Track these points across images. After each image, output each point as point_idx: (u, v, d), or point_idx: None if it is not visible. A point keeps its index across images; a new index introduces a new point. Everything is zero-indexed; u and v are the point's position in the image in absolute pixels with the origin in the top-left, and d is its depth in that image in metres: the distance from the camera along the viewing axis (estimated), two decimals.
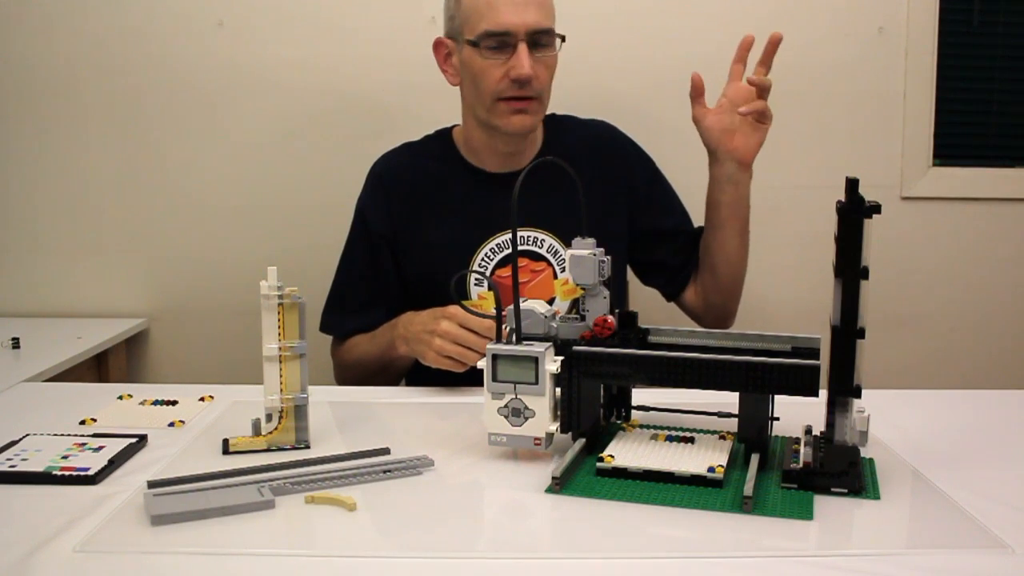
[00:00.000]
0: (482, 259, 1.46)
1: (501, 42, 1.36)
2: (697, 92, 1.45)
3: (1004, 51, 2.12)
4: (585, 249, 1.03)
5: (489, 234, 1.46)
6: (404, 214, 1.49)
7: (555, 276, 1.47)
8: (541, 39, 1.38)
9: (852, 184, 0.89)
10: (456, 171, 1.50)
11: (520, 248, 1.46)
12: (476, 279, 1.46)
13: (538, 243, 1.47)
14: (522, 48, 1.36)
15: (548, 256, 1.47)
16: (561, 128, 1.54)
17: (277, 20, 2.02)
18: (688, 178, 1.60)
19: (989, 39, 2.11)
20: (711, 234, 1.49)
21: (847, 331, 0.90)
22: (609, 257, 1.05)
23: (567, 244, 1.46)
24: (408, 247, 1.49)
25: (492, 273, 1.45)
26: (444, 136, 1.55)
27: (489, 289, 1.45)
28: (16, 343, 1.72)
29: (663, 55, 2.05)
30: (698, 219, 1.59)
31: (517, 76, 1.36)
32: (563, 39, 1.42)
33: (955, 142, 2.11)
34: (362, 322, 1.50)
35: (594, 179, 1.47)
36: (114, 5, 2.02)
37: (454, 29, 1.43)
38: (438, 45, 1.48)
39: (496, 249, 1.46)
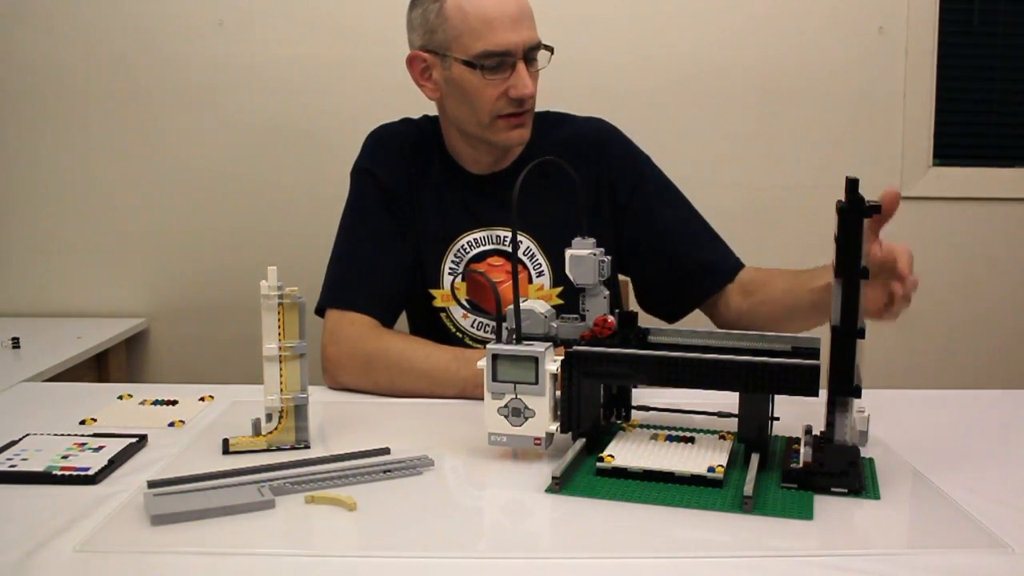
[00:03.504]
0: (456, 252, 1.44)
1: (500, 62, 1.33)
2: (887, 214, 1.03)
3: (1004, 51, 2.12)
4: (585, 249, 1.03)
5: (466, 228, 1.44)
6: (403, 178, 1.46)
7: (530, 280, 1.44)
8: (534, 53, 1.36)
9: (852, 184, 0.89)
10: (441, 162, 1.48)
11: (495, 247, 1.44)
12: (450, 269, 1.44)
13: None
14: (521, 66, 1.33)
15: (524, 259, 1.44)
16: (550, 127, 1.49)
17: (277, 20, 2.03)
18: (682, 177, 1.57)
19: (989, 39, 2.11)
20: (784, 313, 1.34)
21: (847, 331, 0.90)
22: (609, 257, 1.05)
23: (545, 248, 1.44)
24: (403, 212, 1.45)
25: (466, 266, 1.44)
26: (437, 123, 1.50)
27: (463, 279, 1.44)
28: (16, 343, 1.72)
29: (662, 55, 2.05)
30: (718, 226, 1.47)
31: (520, 95, 1.33)
32: (552, 51, 1.38)
33: (955, 142, 2.11)
34: (391, 288, 1.41)
35: (582, 179, 1.44)
36: (114, 5, 2.02)
37: (437, 44, 1.36)
38: (413, 60, 1.41)
39: (472, 244, 1.44)
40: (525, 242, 1.44)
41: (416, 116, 1.53)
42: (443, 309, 1.46)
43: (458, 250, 1.45)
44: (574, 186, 1.41)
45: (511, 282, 1.41)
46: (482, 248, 1.45)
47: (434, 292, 1.45)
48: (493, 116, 1.36)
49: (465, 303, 1.42)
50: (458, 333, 1.46)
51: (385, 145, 1.49)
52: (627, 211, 1.46)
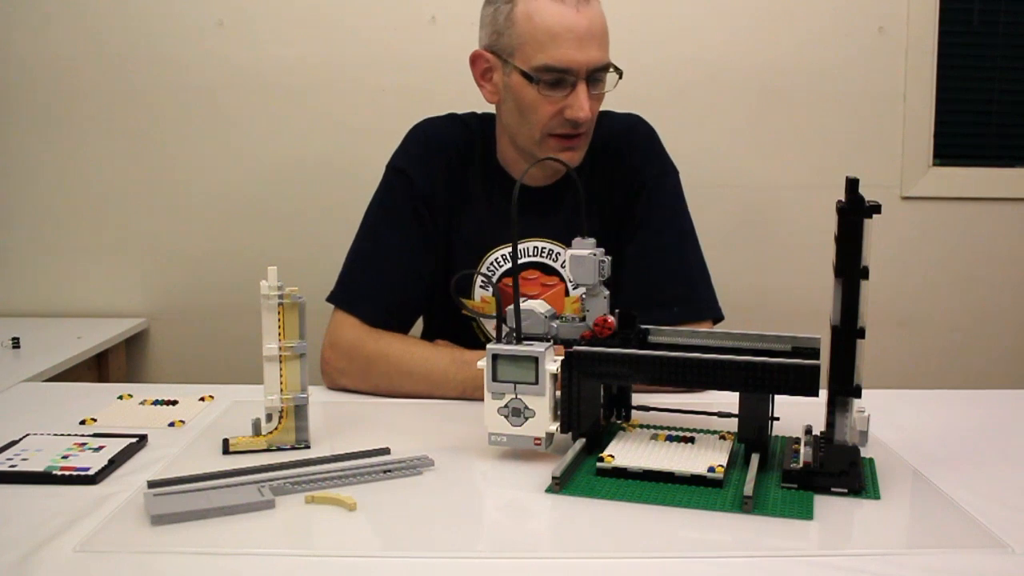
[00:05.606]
0: (491, 263, 1.40)
1: (560, 79, 1.27)
2: None
3: (1004, 51, 2.12)
4: (585, 249, 1.03)
5: (504, 239, 1.40)
6: (441, 183, 1.40)
7: (567, 292, 1.40)
8: (599, 75, 1.30)
9: (852, 184, 0.89)
10: (486, 167, 1.43)
11: (533, 260, 1.41)
12: (482, 282, 1.42)
13: (553, 256, 1.40)
14: (581, 88, 1.27)
15: (562, 271, 1.40)
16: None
17: (277, 20, 2.03)
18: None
19: (989, 39, 2.11)
20: None
21: (847, 331, 0.90)
22: (609, 257, 1.05)
23: None
24: (435, 219, 1.40)
25: (499, 280, 1.40)
26: (487, 123, 1.44)
27: (492, 294, 1.40)
28: (16, 343, 1.72)
29: (661, 55, 2.05)
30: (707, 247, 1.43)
31: (575, 117, 1.27)
32: (620, 75, 1.32)
33: (955, 142, 2.11)
34: (403, 297, 1.37)
35: (606, 179, 1.40)
36: (114, 5, 2.02)
37: (501, 48, 1.31)
38: (476, 59, 1.36)
39: (508, 256, 1.40)
40: (563, 255, 1.40)
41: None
42: (473, 318, 1.44)
43: (492, 262, 1.40)
44: (611, 197, 1.39)
45: (546, 295, 1.40)
46: (520, 260, 1.40)
47: (465, 301, 1.42)
48: (545, 133, 1.31)
49: (465, 305, 1.40)
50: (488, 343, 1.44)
51: (427, 145, 1.42)
52: (623, 219, 1.41)
